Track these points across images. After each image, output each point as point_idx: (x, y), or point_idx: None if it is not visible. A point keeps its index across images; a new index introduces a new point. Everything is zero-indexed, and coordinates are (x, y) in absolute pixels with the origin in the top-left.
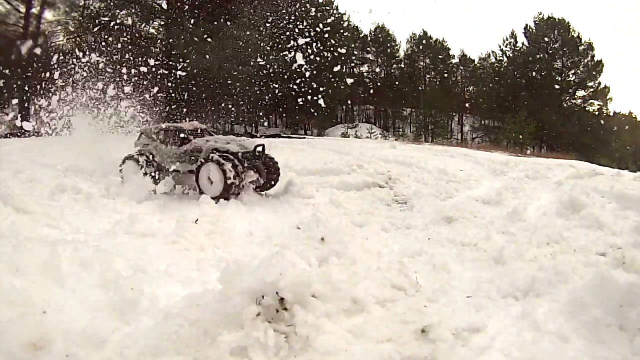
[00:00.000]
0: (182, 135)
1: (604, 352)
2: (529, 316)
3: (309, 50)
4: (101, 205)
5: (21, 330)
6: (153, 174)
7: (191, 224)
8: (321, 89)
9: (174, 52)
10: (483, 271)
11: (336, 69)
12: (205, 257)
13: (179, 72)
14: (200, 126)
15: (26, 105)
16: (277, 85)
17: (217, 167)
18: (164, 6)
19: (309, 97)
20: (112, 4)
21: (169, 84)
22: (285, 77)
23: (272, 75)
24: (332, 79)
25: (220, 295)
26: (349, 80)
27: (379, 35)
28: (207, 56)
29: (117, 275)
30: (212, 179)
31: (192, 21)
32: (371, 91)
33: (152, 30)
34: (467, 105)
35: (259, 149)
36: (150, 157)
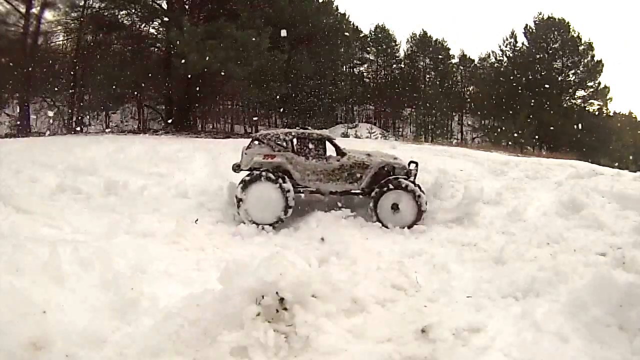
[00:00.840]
0: (320, 144)
1: (604, 352)
2: (529, 316)
3: (309, 50)
4: (101, 205)
5: (21, 330)
6: (292, 198)
7: (191, 224)
8: (321, 89)
9: (173, 52)
10: (483, 271)
11: (336, 69)
12: (205, 257)
13: (178, 72)
14: (332, 136)
15: (26, 105)
16: (277, 85)
17: (410, 196)
18: (164, 6)
19: (309, 97)
20: (112, 4)
21: (169, 84)
22: (285, 77)
23: (272, 75)
24: (332, 79)
25: (220, 295)
26: (349, 81)
27: (379, 35)
28: (207, 56)
29: (117, 275)
30: (400, 208)
31: (192, 21)
32: (371, 91)
33: (152, 30)
34: (467, 105)
35: (412, 166)
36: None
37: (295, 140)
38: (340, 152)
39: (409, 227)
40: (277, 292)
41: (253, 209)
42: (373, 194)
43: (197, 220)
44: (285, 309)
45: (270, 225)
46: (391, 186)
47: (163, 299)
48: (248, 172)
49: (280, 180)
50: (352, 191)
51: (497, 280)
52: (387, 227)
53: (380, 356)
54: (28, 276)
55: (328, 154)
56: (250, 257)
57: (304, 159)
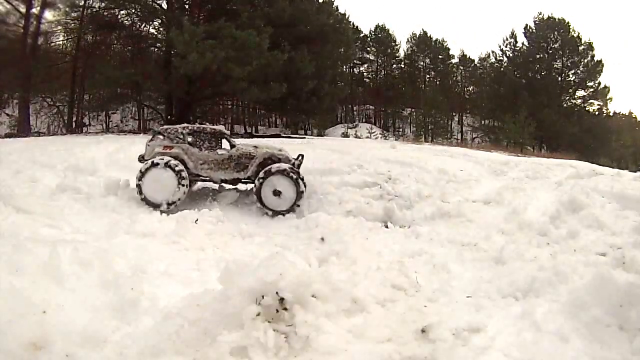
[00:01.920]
0: (213, 138)
1: (604, 352)
2: (529, 316)
3: (309, 50)
4: (101, 205)
5: (21, 330)
6: (187, 185)
7: (191, 224)
8: (321, 89)
9: (173, 52)
10: (483, 271)
11: (336, 69)
12: (205, 257)
13: (178, 72)
14: (225, 130)
15: (26, 105)
16: (277, 85)
17: (289, 179)
18: (164, 6)
19: (309, 97)
20: (112, 4)
21: (169, 84)
22: (285, 77)
23: (272, 75)
24: (332, 79)
25: (220, 295)
26: (349, 81)
27: (379, 35)
28: (207, 56)
29: (117, 275)
30: (282, 192)
31: (192, 21)
32: (371, 91)
33: (152, 30)
34: (467, 105)
35: (300, 158)
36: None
37: (191, 134)
38: (231, 144)
39: (291, 208)
40: (277, 292)
41: (152, 193)
42: (256, 180)
43: (197, 220)
44: (285, 309)
45: (167, 206)
46: (273, 170)
47: (163, 299)
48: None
49: (177, 167)
50: (241, 179)
51: (497, 280)
52: (271, 210)
53: (380, 356)
54: (28, 276)
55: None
56: (250, 257)
57: (197, 150)
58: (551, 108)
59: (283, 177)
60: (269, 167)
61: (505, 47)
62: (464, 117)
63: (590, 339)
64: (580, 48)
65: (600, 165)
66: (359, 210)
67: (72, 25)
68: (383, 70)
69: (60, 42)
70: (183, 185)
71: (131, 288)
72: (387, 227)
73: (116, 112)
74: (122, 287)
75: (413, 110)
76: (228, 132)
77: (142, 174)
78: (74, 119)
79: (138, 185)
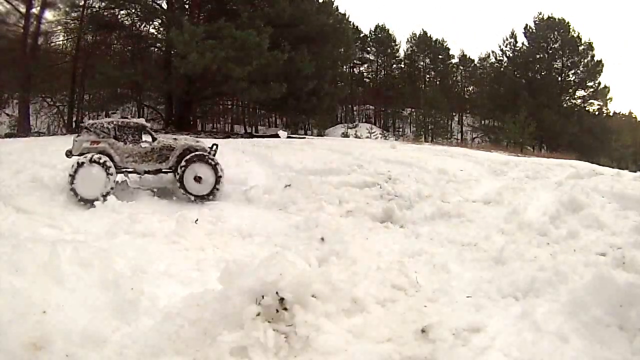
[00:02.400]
0: (136, 131)
1: (604, 352)
2: (529, 316)
3: (310, 50)
4: (101, 205)
5: (21, 330)
6: (115, 178)
7: (191, 224)
8: (321, 89)
9: (173, 52)
10: (483, 271)
11: (336, 69)
12: (205, 257)
13: (178, 72)
14: (146, 124)
15: (26, 105)
16: (277, 85)
17: (208, 165)
18: (164, 6)
19: (309, 97)
20: (112, 3)
21: (169, 84)
22: (285, 77)
23: (272, 75)
24: (332, 79)
25: (220, 295)
26: (349, 81)
27: (379, 35)
28: (207, 56)
29: (117, 275)
30: (202, 178)
31: (192, 21)
32: (371, 91)
33: (152, 30)
34: (467, 105)
35: (215, 147)
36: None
37: (116, 128)
38: (153, 137)
39: (211, 192)
40: (277, 292)
41: (86, 190)
42: (178, 169)
43: (197, 220)
44: (285, 309)
45: (103, 198)
46: (194, 159)
47: (163, 299)
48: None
49: (101, 160)
50: (163, 170)
51: (497, 280)
52: (193, 196)
53: (380, 356)
54: (28, 276)
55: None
56: (250, 257)
57: (122, 144)
58: (551, 108)
59: (203, 164)
60: (189, 155)
61: (505, 47)
62: (464, 117)
63: (590, 339)
64: (580, 48)
65: (600, 165)
66: (359, 210)
67: (72, 25)
68: (383, 70)
69: (60, 42)
70: (111, 175)
71: (131, 288)
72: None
73: (116, 112)
74: (122, 287)
75: (413, 110)
76: (149, 125)
77: (72, 177)
78: (74, 119)
79: (72, 189)
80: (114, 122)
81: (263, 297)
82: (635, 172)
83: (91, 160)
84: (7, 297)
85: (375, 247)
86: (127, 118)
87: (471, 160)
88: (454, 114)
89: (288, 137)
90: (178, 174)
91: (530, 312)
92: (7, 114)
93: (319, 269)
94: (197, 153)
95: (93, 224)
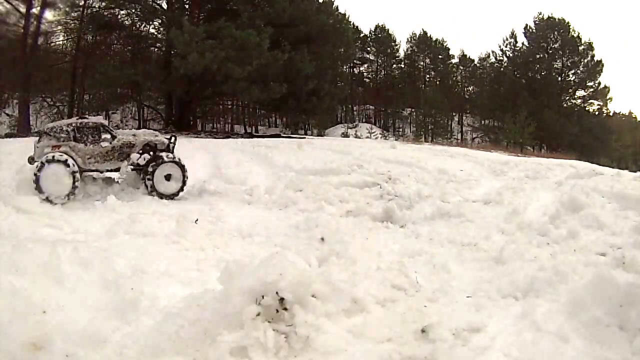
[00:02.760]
0: (95, 131)
1: (604, 352)
2: (529, 316)
3: (310, 50)
4: (101, 205)
5: (21, 330)
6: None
7: (191, 224)
8: (321, 89)
9: (173, 52)
10: (483, 271)
11: (336, 69)
12: (205, 257)
13: (178, 72)
14: (104, 121)
15: (26, 105)
16: (277, 85)
17: (177, 165)
18: (164, 6)
19: (309, 97)
20: (112, 3)
21: (169, 84)
22: (285, 77)
23: (272, 75)
24: (332, 79)
25: (220, 295)
26: (349, 81)
27: (379, 35)
28: (207, 56)
29: (117, 275)
30: (172, 177)
31: (192, 21)
32: (371, 91)
33: (152, 30)
34: (467, 105)
35: (173, 140)
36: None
37: (75, 130)
38: (112, 135)
39: (178, 192)
40: (277, 292)
41: (52, 190)
42: (150, 168)
43: (197, 220)
44: (285, 309)
45: (67, 197)
46: (165, 159)
47: (163, 299)
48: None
49: (62, 158)
50: (119, 168)
51: (497, 280)
52: (161, 194)
53: (380, 356)
54: (28, 276)
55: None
56: (250, 257)
57: (83, 146)
58: (551, 108)
59: (175, 165)
60: (160, 156)
61: (505, 47)
62: (464, 117)
63: (590, 339)
64: (580, 48)
65: (600, 165)
66: (359, 210)
67: (72, 25)
68: (383, 70)
69: (60, 42)
70: (75, 172)
71: (131, 288)
72: (387, 227)
73: (116, 112)
74: (122, 287)
75: (413, 110)
76: (106, 122)
77: (37, 177)
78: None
79: (37, 188)
80: (73, 124)
81: (263, 297)
82: (635, 172)
83: (52, 159)
84: (7, 297)
85: (375, 247)
86: (85, 118)
87: (471, 160)
88: (454, 114)
89: (288, 137)
90: (150, 172)
91: (530, 312)
92: (7, 114)
93: (319, 269)
94: (166, 156)
95: (93, 224)
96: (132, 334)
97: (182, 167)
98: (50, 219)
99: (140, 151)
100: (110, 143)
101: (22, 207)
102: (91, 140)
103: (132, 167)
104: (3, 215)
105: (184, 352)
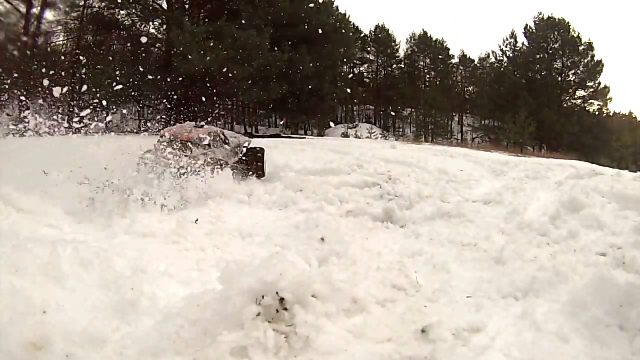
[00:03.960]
0: None
1: (604, 352)
2: (529, 316)
3: (310, 50)
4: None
5: (21, 330)
6: None
7: (191, 223)
8: (321, 89)
9: (174, 52)
10: (483, 271)
11: (336, 69)
12: (205, 257)
13: (179, 72)
14: None
15: (26, 105)
16: (277, 85)
17: None
18: (164, 6)
19: (309, 97)
20: (112, 3)
21: (169, 84)
22: (285, 77)
23: (272, 75)
24: (332, 79)
25: (220, 295)
26: (349, 80)
27: (379, 35)
28: (207, 56)
29: (117, 275)
30: None
31: (192, 21)
32: (371, 91)
33: (152, 30)
34: (467, 105)
35: None
36: None
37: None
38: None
39: None
40: (277, 292)
41: None
42: None
43: (197, 220)
44: (285, 309)
45: None
46: None
47: (163, 299)
48: None
49: None
50: None
51: (497, 280)
52: None
53: (380, 356)
54: (28, 276)
55: None
56: (250, 257)
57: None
58: (551, 108)
59: None
60: None
61: (505, 47)
62: (464, 117)
63: (590, 339)
64: (580, 48)
65: (600, 165)
66: (359, 210)
67: (72, 25)
68: (383, 70)
69: (60, 42)
70: None
71: (131, 288)
72: (387, 227)
73: (116, 112)
74: (122, 287)
75: (413, 110)
76: None
77: None
78: (74, 118)
79: None
80: None
81: (263, 297)
82: (635, 172)
83: None
84: (7, 297)
85: (375, 247)
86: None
87: (471, 160)
88: (454, 114)
89: (288, 136)
90: None
91: (531, 312)
92: (8, 114)
93: (319, 269)
94: None
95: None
96: (132, 334)
97: None
98: (51, 219)
99: None
100: None
101: (22, 207)
102: None
103: None
104: (3, 215)
105: (184, 352)
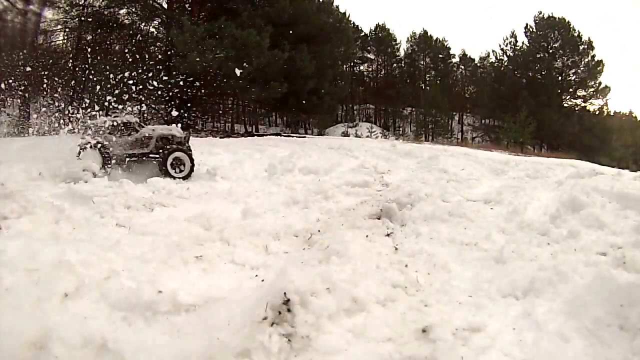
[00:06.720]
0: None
1: (604, 352)
2: (529, 316)
3: (310, 50)
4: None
5: (21, 330)
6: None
7: (191, 223)
8: (321, 88)
9: (173, 52)
10: (483, 271)
11: (336, 68)
12: (211, 259)
13: (179, 71)
14: (130, 119)
15: (26, 105)
16: (277, 85)
17: (187, 155)
18: (164, 5)
19: (309, 97)
20: (112, 2)
21: (169, 84)
22: (286, 76)
23: (272, 74)
24: (332, 79)
25: (227, 298)
26: (349, 80)
27: (379, 35)
28: (208, 55)
29: (117, 275)
30: (182, 163)
31: (192, 21)
32: (371, 90)
33: (152, 30)
34: (467, 104)
35: (185, 134)
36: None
37: (110, 126)
38: (136, 129)
39: (188, 175)
40: (284, 293)
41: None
42: (161, 154)
43: (196, 219)
44: (289, 310)
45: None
46: (174, 147)
47: (167, 300)
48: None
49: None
50: (144, 153)
51: (497, 280)
52: (172, 176)
53: (380, 356)
54: (28, 276)
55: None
56: (252, 257)
57: (115, 137)
58: (551, 108)
59: (183, 153)
60: (170, 144)
61: (506, 46)
62: (464, 117)
63: (591, 339)
64: (581, 47)
65: (600, 164)
66: (359, 210)
67: (72, 24)
68: (383, 70)
69: (60, 42)
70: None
71: (132, 288)
72: (387, 226)
73: (116, 111)
74: (122, 287)
75: (413, 109)
76: (133, 120)
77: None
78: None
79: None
80: (107, 122)
81: (270, 299)
82: (635, 171)
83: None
84: (7, 297)
85: (375, 247)
86: (117, 116)
87: (471, 160)
88: (454, 113)
89: (288, 136)
90: (162, 157)
91: (531, 311)
92: (8, 114)
93: (319, 269)
94: (177, 144)
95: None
96: (133, 335)
97: (190, 155)
98: (51, 219)
99: (156, 142)
100: (134, 135)
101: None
102: (122, 134)
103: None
104: None
105: (188, 355)
